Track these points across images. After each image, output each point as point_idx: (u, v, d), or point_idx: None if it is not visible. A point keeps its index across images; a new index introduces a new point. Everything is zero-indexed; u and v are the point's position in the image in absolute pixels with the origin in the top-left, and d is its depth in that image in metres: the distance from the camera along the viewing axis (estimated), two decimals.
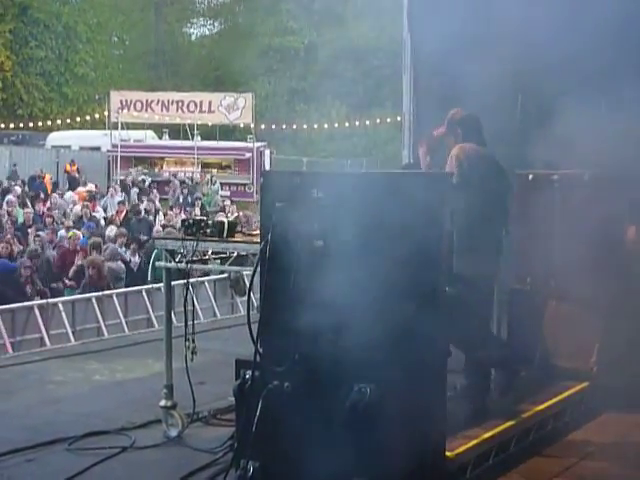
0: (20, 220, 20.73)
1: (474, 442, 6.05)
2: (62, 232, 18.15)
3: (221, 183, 33.94)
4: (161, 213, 23.37)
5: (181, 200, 28.60)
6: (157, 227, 18.36)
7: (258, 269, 5.46)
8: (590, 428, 7.20)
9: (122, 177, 32.83)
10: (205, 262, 7.29)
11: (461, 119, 7.04)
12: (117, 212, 22.58)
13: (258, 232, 6.11)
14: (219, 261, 7.25)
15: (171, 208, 24.81)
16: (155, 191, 29.84)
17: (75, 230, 17.60)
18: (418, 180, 5.85)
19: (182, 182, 31.75)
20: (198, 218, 7.17)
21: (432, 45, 10.77)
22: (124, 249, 16.49)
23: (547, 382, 7.56)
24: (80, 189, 27.22)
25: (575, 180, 7.95)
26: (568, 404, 7.29)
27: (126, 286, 14.95)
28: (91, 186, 27.87)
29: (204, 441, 6.78)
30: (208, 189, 31.76)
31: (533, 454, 6.58)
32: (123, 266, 15.62)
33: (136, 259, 16.01)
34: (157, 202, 26.56)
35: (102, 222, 21.29)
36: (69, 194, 26.09)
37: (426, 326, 5.11)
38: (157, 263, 7.33)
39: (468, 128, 6.97)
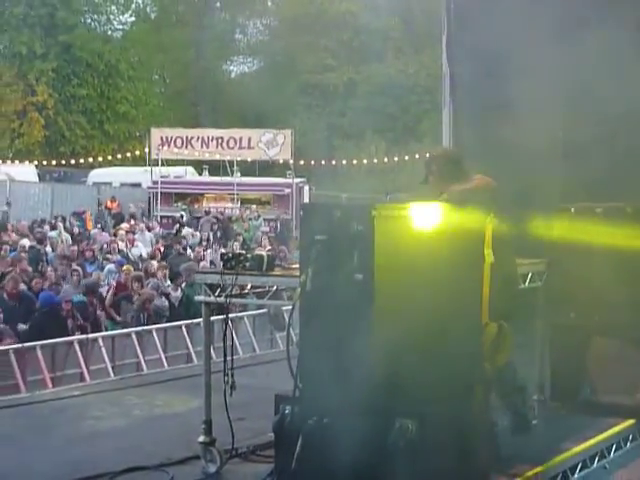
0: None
1: None
2: (111, 266, 18.27)
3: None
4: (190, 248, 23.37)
5: (215, 236, 28.57)
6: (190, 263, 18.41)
7: (297, 303, 5.41)
8: (636, 466, 7.05)
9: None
10: (244, 296, 7.25)
11: (434, 157, 6.95)
12: (156, 248, 22.69)
13: (297, 266, 6.06)
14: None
15: (200, 243, 24.87)
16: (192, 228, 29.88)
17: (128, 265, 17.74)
18: (458, 211, 5.77)
19: (216, 218, 31.79)
20: (237, 252, 7.13)
21: (472, 79, 10.77)
22: (168, 283, 16.53)
23: (592, 418, 7.44)
24: (124, 225, 27.36)
25: (618, 212, 7.84)
26: (614, 441, 7.16)
27: (168, 321, 14.95)
28: (132, 222, 28.02)
29: (243, 477, 6.73)
30: (250, 224, 31.80)
31: None
32: (166, 303, 15.67)
33: (177, 293, 15.99)
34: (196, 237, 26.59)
35: (138, 257, 21.41)
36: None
37: (468, 360, 5.03)
38: (196, 297, 7.28)
39: (441, 163, 6.79)
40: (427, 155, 7.07)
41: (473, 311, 5.20)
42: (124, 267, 17.05)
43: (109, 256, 19.88)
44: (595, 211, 7.94)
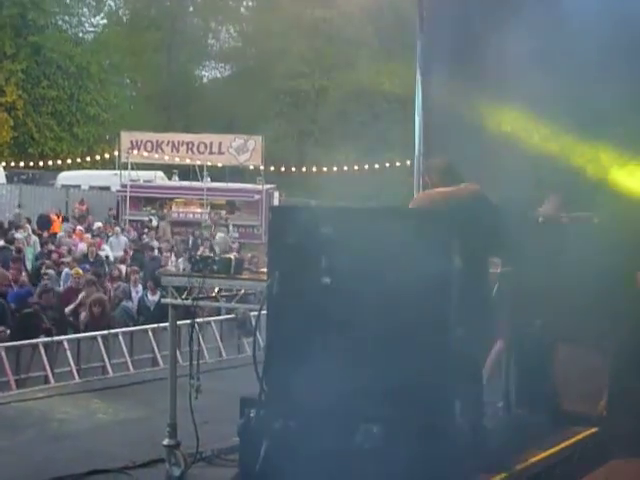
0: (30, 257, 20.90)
1: None
2: (67, 270, 18.13)
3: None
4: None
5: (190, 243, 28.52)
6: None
7: (264, 307, 5.41)
8: (599, 474, 7.09)
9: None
10: (212, 299, 7.24)
11: (426, 167, 7.30)
12: (125, 251, 22.61)
13: (265, 270, 6.05)
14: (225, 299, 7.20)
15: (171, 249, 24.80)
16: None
17: (78, 268, 17.49)
18: (425, 216, 5.80)
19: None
20: (205, 255, 7.12)
21: (443, 88, 10.82)
22: (140, 287, 16.43)
23: (556, 426, 7.48)
24: (80, 227, 27.19)
25: (585, 223, 7.91)
26: (577, 449, 7.20)
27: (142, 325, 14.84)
28: (98, 224, 27.86)
29: None
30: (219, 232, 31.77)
31: None
32: (135, 307, 15.58)
33: (155, 297, 15.88)
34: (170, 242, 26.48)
35: (107, 260, 21.28)
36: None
37: (434, 364, 5.04)
38: (162, 300, 7.26)
39: (433, 174, 6.96)
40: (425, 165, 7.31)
41: (440, 314, 5.21)
42: (73, 271, 16.69)
43: (70, 260, 19.66)
44: (562, 221, 8.00)
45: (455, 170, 6.95)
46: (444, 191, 6.59)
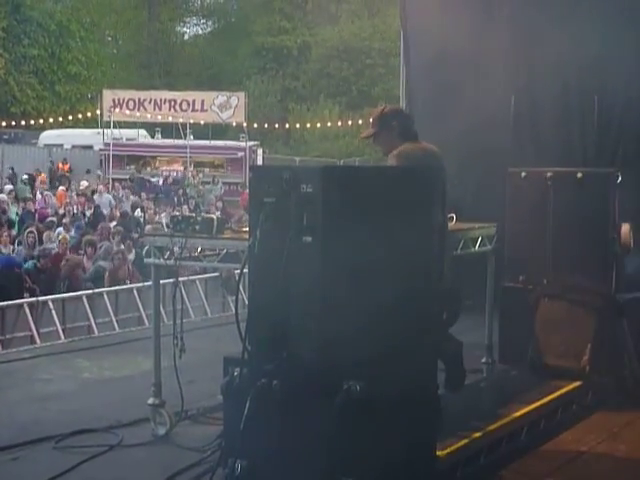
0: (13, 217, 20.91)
1: (465, 441, 6.00)
2: (60, 230, 18.16)
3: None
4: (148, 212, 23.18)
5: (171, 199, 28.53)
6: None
7: (247, 266, 5.39)
8: (582, 427, 7.15)
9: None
10: (195, 259, 7.22)
11: (395, 112, 6.64)
12: (112, 209, 22.64)
13: (247, 229, 6.03)
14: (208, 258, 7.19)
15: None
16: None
17: (65, 233, 17.51)
18: (409, 174, 5.78)
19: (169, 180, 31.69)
20: (187, 214, 7.09)
21: (427, 43, 10.78)
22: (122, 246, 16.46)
23: (539, 381, 7.53)
24: (61, 188, 27.12)
25: (568, 178, 7.92)
26: (560, 403, 7.25)
27: None
28: (84, 183, 27.77)
29: (192, 440, 6.70)
30: (203, 189, 31.71)
31: (524, 454, 6.52)
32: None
33: (131, 256, 15.89)
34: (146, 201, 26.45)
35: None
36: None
37: (416, 322, 5.05)
38: (145, 260, 7.22)
39: (403, 119, 6.58)
40: (382, 109, 6.78)
41: (422, 272, 5.21)
42: (60, 236, 16.73)
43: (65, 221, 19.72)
44: (545, 175, 8.00)
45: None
46: (425, 147, 6.53)
